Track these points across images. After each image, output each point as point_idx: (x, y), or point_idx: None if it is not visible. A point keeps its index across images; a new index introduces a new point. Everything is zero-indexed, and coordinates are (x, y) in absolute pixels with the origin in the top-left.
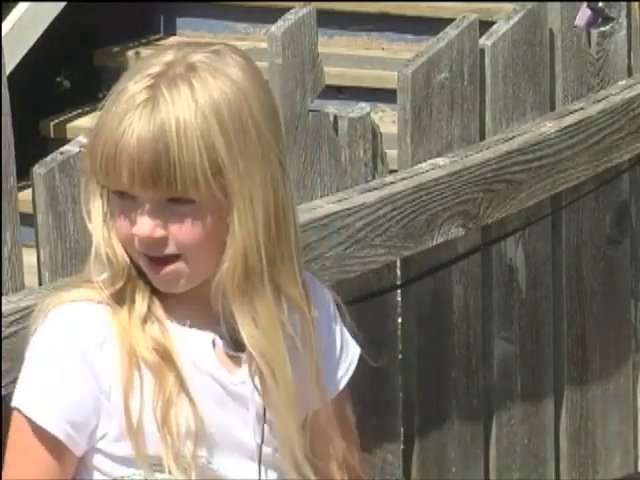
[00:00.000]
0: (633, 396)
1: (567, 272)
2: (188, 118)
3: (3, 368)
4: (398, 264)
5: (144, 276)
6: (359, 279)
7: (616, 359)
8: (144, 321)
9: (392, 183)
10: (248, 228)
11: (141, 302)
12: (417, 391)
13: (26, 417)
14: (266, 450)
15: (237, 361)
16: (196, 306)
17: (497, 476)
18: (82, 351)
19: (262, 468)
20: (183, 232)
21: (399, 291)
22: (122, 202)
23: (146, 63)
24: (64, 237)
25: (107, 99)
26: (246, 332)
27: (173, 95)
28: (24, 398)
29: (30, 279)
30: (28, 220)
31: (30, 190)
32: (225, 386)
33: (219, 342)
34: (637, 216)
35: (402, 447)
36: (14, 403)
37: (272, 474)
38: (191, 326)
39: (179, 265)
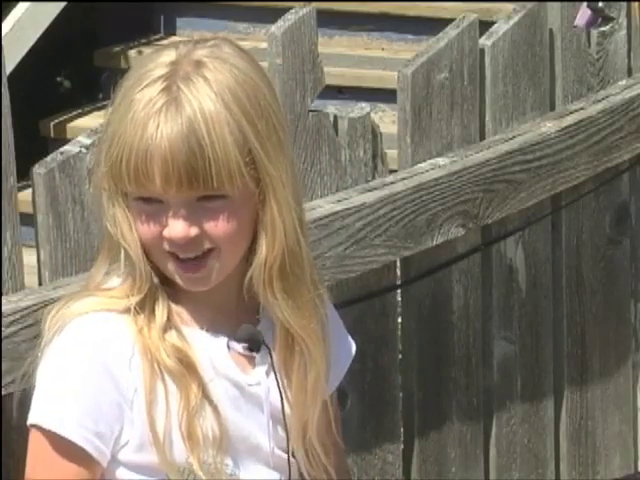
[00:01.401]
0: (633, 396)
1: (567, 272)
2: (214, 111)
3: (3, 368)
4: (398, 264)
5: (162, 282)
6: (359, 279)
7: (616, 359)
8: (164, 330)
9: (392, 183)
10: (286, 212)
11: (161, 312)
12: (417, 391)
13: (48, 433)
14: (278, 452)
15: (251, 362)
16: (208, 310)
17: (497, 476)
18: (103, 360)
19: (276, 472)
20: (219, 228)
21: (399, 291)
22: (148, 207)
23: (147, 68)
24: (64, 237)
25: (114, 109)
26: (287, 314)
27: (192, 91)
28: (45, 413)
29: (30, 279)
30: (28, 220)
31: (30, 190)
32: (241, 388)
33: (233, 344)
34: (637, 216)
35: (402, 447)
36: (33, 420)
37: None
38: (207, 330)
39: (211, 262)
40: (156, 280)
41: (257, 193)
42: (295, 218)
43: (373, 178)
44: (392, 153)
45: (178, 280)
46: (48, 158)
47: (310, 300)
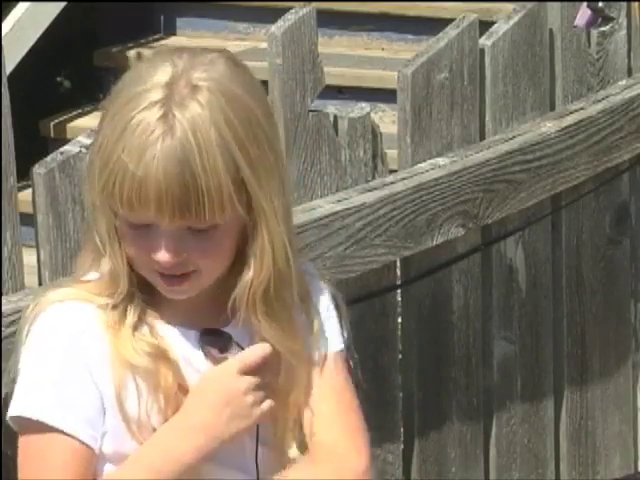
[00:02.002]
0: (633, 396)
1: (567, 272)
2: (208, 142)
3: (3, 368)
4: (398, 264)
5: (139, 282)
6: (359, 279)
7: (616, 359)
8: (135, 328)
9: (392, 183)
10: (277, 239)
11: (134, 311)
12: (417, 391)
13: (36, 423)
14: (263, 449)
15: (223, 361)
16: (182, 308)
17: (497, 476)
18: (77, 350)
19: (260, 467)
20: (206, 254)
21: (399, 291)
22: (136, 230)
23: (143, 87)
24: (64, 237)
25: (108, 122)
26: (270, 335)
27: (189, 121)
28: (34, 406)
29: (30, 279)
30: (28, 220)
31: (30, 190)
32: None
33: (205, 347)
34: (637, 216)
35: (402, 447)
36: (17, 412)
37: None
38: (180, 326)
39: (194, 279)
40: (134, 283)
41: (248, 220)
42: (285, 240)
43: (373, 178)
44: (392, 153)
45: (159, 289)
46: (48, 158)
47: (296, 321)
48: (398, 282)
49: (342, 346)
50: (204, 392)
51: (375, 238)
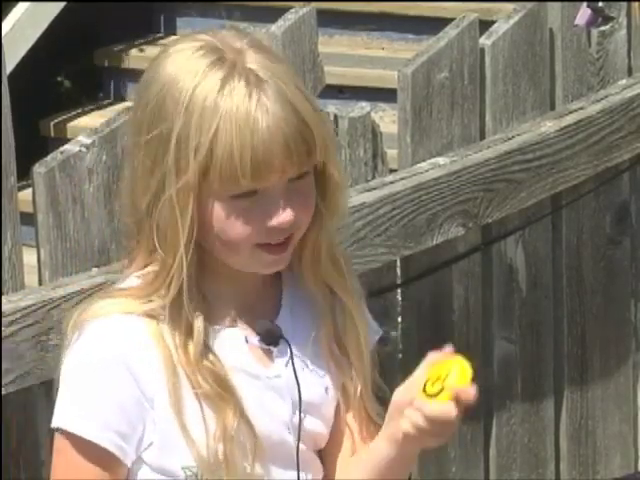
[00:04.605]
0: (633, 396)
1: (567, 272)
2: (293, 87)
3: (3, 368)
4: (398, 263)
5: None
6: (359, 279)
7: (616, 359)
8: (188, 334)
9: (392, 183)
10: (341, 194)
11: (186, 316)
12: None
13: (72, 436)
14: (301, 447)
15: (269, 355)
16: (231, 306)
17: (497, 476)
18: (122, 360)
19: (302, 472)
20: (305, 208)
21: (399, 290)
22: (246, 201)
23: (199, 68)
24: (64, 237)
25: (184, 114)
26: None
27: (269, 74)
28: (68, 416)
29: (30, 279)
30: (28, 220)
31: (30, 190)
32: (262, 381)
33: (252, 338)
34: (637, 216)
35: None
36: (57, 424)
37: (309, 474)
38: (226, 326)
39: (292, 243)
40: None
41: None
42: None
43: (373, 178)
44: (392, 153)
45: (255, 267)
46: (48, 157)
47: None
48: (398, 282)
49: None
50: None
51: (375, 238)
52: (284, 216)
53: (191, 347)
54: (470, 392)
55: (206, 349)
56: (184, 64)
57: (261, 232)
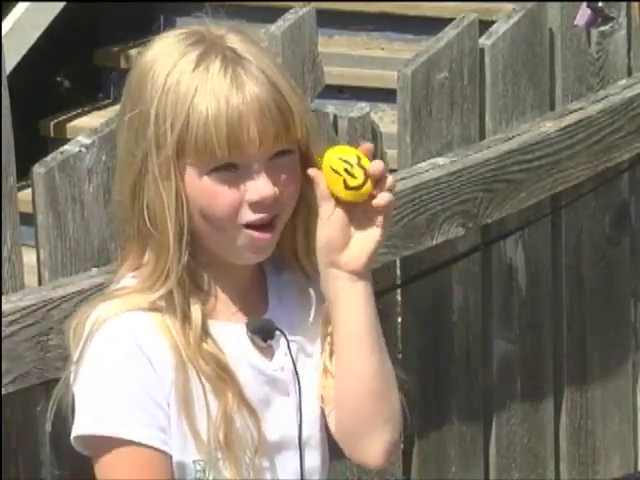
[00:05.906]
0: (633, 396)
1: (567, 272)
2: (273, 65)
3: (3, 368)
4: (398, 264)
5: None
6: None
7: (616, 359)
8: (191, 326)
9: None
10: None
11: (184, 307)
12: (417, 391)
13: (118, 440)
14: (304, 435)
15: (269, 349)
16: (227, 299)
17: (497, 476)
18: (142, 356)
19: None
20: (289, 185)
21: (399, 291)
22: (227, 174)
23: (179, 52)
24: (64, 237)
25: (162, 92)
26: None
27: (248, 52)
28: (108, 423)
29: (30, 279)
30: (28, 220)
31: (30, 190)
32: (267, 374)
33: (248, 334)
34: (637, 216)
35: (402, 447)
36: (98, 431)
37: (315, 459)
38: (228, 320)
39: (278, 225)
40: (185, 273)
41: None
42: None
43: None
44: (392, 153)
45: (244, 253)
46: (48, 158)
47: None
48: (398, 282)
49: None
50: None
51: None
52: (266, 190)
53: (190, 331)
54: (380, 164)
55: (205, 334)
56: (165, 48)
57: (245, 208)
